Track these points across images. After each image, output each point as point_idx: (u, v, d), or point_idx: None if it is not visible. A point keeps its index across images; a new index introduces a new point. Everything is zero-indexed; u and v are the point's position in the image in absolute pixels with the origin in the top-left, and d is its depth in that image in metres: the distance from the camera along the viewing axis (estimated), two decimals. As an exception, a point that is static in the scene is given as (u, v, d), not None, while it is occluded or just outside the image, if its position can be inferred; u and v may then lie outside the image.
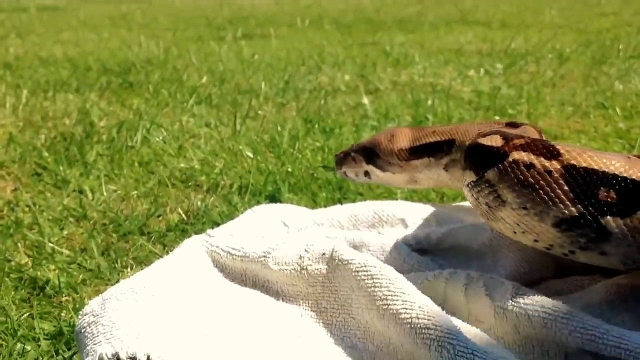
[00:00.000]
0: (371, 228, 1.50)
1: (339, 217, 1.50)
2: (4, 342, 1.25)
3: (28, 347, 1.24)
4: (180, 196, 2.04)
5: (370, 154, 1.64)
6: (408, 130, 1.61)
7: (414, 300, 1.05)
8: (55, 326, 1.32)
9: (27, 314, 1.36)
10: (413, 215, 1.51)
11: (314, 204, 1.91)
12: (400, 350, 1.06)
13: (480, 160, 1.19)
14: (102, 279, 1.54)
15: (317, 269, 1.18)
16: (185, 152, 2.46)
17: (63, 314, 1.36)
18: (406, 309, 1.04)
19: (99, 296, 1.11)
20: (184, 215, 1.88)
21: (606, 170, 1.06)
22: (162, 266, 1.18)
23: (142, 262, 1.62)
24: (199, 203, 1.94)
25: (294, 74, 4.25)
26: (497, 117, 2.95)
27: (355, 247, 1.35)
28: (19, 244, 1.69)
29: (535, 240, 1.13)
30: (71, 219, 1.88)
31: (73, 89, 3.72)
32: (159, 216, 1.91)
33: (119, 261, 1.61)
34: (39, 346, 1.25)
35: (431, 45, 5.92)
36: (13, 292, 1.43)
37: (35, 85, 3.80)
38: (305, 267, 1.19)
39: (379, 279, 1.10)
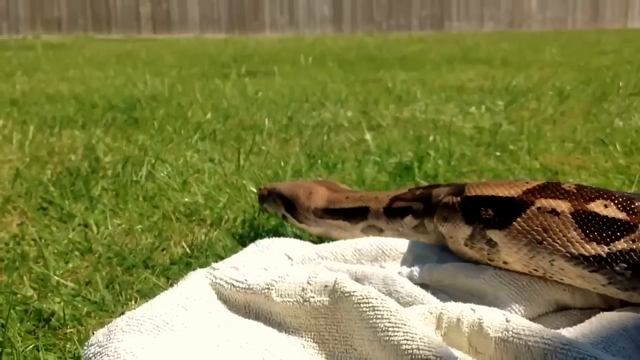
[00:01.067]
0: (374, 262, 1.51)
1: (342, 251, 1.52)
2: (8, 374, 1.26)
3: (33, 379, 1.25)
4: (184, 230, 2.06)
5: (289, 204, 1.84)
6: (324, 191, 1.82)
7: (415, 332, 1.06)
8: (59, 357, 1.33)
9: (33, 345, 1.37)
10: (415, 251, 1.53)
11: (317, 237, 1.93)
12: (401, 381, 1.07)
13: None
14: (107, 312, 1.55)
15: (320, 301, 1.20)
16: (189, 187, 2.49)
17: (68, 346, 1.37)
18: (407, 340, 1.06)
19: (105, 327, 1.13)
20: (187, 249, 1.90)
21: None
22: (167, 298, 1.20)
23: (146, 295, 1.63)
24: (203, 237, 1.96)
25: (297, 111, 4.30)
26: (498, 153, 2.98)
27: (357, 279, 1.36)
28: (24, 277, 1.71)
29: None
30: (76, 253, 1.89)
31: (79, 125, 3.77)
32: (163, 250, 1.92)
33: (123, 294, 1.63)
34: (44, 378, 1.26)
35: (433, 83, 5.98)
36: (19, 324, 1.44)
37: (41, 122, 3.85)
38: (307, 299, 1.21)
39: (380, 310, 1.12)
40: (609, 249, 1.24)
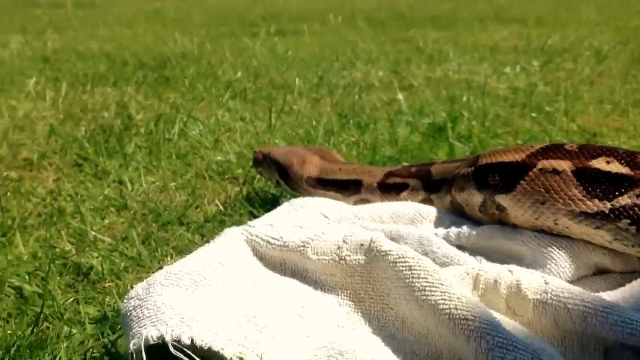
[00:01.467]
0: (410, 224, 1.51)
1: (380, 213, 1.51)
2: (51, 325, 1.29)
3: (74, 331, 1.27)
4: (217, 188, 2.07)
5: (282, 171, 1.87)
6: (318, 160, 1.83)
7: (452, 292, 1.06)
8: (99, 311, 1.35)
9: (72, 298, 1.39)
10: (451, 217, 1.52)
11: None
12: (438, 340, 1.07)
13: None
14: (143, 267, 1.57)
15: (356, 260, 1.20)
16: (221, 146, 2.49)
17: (107, 299, 1.39)
18: (445, 300, 1.05)
19: (144, 281, 1.14)
20: (221, 207, 1.91)
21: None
22: (204, 254, 1.20)
23: (182, 251, 1.65)
24: (236, 195, 1.97)
25: (328, 70, 4.27)
26: (534, 114, 2.93)
27: (393, 239, 1.35)
28: (62, 232, 1.73)
29: None
30: (112, 209, 1.92)
31: (111, 83, 3.78)
32: (197, 207, 1.94)
33: (159, 250, 1.64)
34: (84, 329, 1.28)
35: (465, 42, 5.89)
36: (58, 278, 1.47)
37: (73, 79, 3.87)
38: (343, 258, 1.21)
39: (417, 270, 1.11)
40: (611, 204, 1.23)
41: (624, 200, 1.23)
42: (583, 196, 1.26)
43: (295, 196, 1.76)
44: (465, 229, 1.39)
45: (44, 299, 1.33)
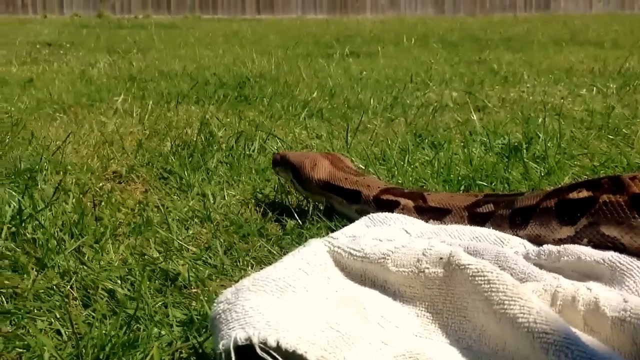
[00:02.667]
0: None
1: (460, 234, 1.54)
2: (141, 326, 1.37)
3: (163, 332, 1.35)
4: (295, 202, 2.14)
5: (296, 172, 2.06)
6: (328, 165, 2.02)
7: (531, 306, 1.08)
8: (186, 315, 1.43)
9: (161, 302, 1.47)
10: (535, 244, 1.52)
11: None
12: (516, 353, 1.09)
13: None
14: (226, 275, 1.64)
15: (434, 272, 1.24)
16: (299, 162, 2.56)
17: (193, 304, 1.46)
18: (523, 313, 1.07)
19: (233, 286, 1.21)
20: (299, 220, 1.97)
21: None
22: (289, 263, 1.26)
23: (262, 261, 1.71)
24: (314, 209, 2.03)
25: (402, 91, 4.31)
26: (610, 137, 2.90)
27: (470, 254, 1.38)
28: (150, 240, 1.83)
29: None
30: (196, 220, 2.00)
31: (193, 101, 3.94)
32: (275, 220, 2.01)
33: (240, 260, 1.72)
34: (172, 331, 1.36)
35: (540, 64, 5.84)
36: (148, 283, 1.56)
37: (158, 97, 4.05)
38: (422, 270, 1.24)
39: (495, 283, 1.14)
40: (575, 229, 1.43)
41: (583, 222, 1.40)
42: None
43: (305, 195, 2.05)
44: (546, 247, 1.40)
45: (137, 302, 1.42)
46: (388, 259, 1.27)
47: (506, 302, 1.11)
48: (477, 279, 1.17)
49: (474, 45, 7.84)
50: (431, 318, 1.23)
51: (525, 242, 1.53)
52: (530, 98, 4.08)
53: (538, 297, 1.18)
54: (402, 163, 2.49)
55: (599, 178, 1.49)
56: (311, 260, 1.28)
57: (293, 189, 2.15)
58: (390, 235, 1.43)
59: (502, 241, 1.51)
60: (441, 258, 1.24)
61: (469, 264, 1.19)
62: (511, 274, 1.30)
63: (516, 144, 2.72)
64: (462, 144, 2.83)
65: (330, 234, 1.40)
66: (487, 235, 1.52)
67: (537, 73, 5.23)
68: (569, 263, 1.38)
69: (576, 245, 1.41)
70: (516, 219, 1.57)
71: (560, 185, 1.65)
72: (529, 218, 1.54)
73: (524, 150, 2.62)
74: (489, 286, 1.14)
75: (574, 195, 1.47)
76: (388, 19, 14.82)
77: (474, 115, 3.36)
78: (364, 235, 1.41)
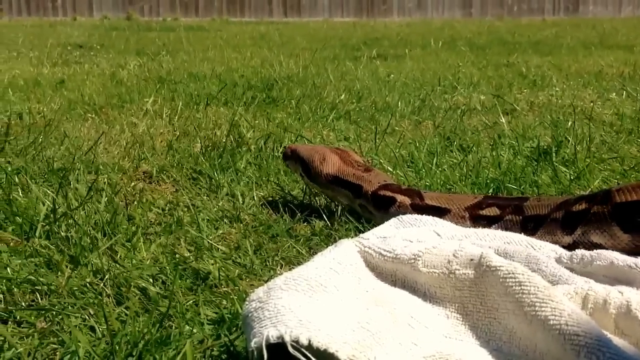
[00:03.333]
0: None
1: (492, 238, 1.54)
2: (173, 324, 1.39)
3: (195, 330, 1.37)
4: (324, 203, 2.15)
5: (305, 165, 2.12)
6: (337, 159, 2.08)
7: (563, 308, 1.08)
8: (216, 313, 1.45)
9: (192, 301, 1.49)
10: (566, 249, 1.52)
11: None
12: (547, 355, 1.09)
13: None
14: (256, 275, 1.66)
15: (465, 274, 1.24)
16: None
17: (224, 302, 1.48)
18: (555, 315, 1.07)
19: (265, 285, 1.22)
20: (328, 222, 1.98)
21: None
22: (320, 262, 1.28)
23: (291, 262, 1.73)
24: (342, 210, 2.04)
25: (430, 93, 4.31)
26: (642, 141, 2.87)
27: (500, 256, 1.38)
28: (180, 240, 1.86)
29: None
30: (225, 220, 2.03)
31: (222, 103, 3.97)
32: (304, 221, 2.02)
33: (269, 260, 1.73)
34: (203, 329, 1.38)
35: (569, 68, 5.80)
36: (179, 281, 1.58)
37: (188, 99, 4.09)
38: (453, 271, 1.25)
39: (527, 285, 1.14)
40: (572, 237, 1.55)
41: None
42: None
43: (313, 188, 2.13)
44: (579, 251, 1.39)
45: (170, 300, 1.44)
46: (418, 260, 1.28)
47: (537, 304, 1.11)
48: (508, 280, 1.17)
49: (502, 49, 7.80)
50: (461, 319, 1.23)
51: (557, 247, 1.52)
52: (559, 102, 4.06)
53: (569, 300, 1.18)
54: (430, 165, 2.49)
55: (601, 191, 1.61)
56: (342, 260, 1.29)
57: (303, 182, 2.22)
58: (421, 237, 1.44)
59: (533, 247, 1.51)
60: (472, 259, 1.24)
61: (500, 266, 1.19)
62: (542, 277, 1.30)
63: (545, 147, 2.71)
64: (490, 147, 2.82)
65: (361, 235, 1.41)
66: (518, 241, 1.52)
67: (566, 77, 5.20)
68: (601, 267, 1.37)
69: (609, 250, 1.40)
70: (528, 225, 1.64)
71: (568, 197, 1.70)
72: (539, 226, 1.63)
73: (553, 154, 2.61)
74: (520, 288, 1.14)
75: (576, 207, 1.58)
76: (415, 22, 14.79)
77: (503, 119, 3.35)
78: (394, 237, 1.42)
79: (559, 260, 1.39)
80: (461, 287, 1.24)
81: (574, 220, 1.58)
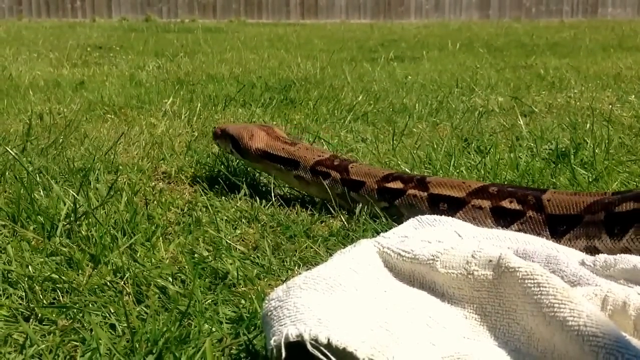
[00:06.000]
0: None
1: (514, 240, 1.53)
2: (193, 322, 1.40)
3: (214, 328, 1.38)
4: (342, 204, 2.16)
5: (235, 142, 2.32)
6: (265, 135, 2.28)
7: (581, 309, 1.08)
8: (235, 312, 1.46)
9: (211, 300, 1.51)
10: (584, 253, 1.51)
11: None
12: (565, 356, 1.09)
13: None
14: (274, 275, 1.67)
15: (483, 275, 1.24)
16: (344, 165, 2.58)
17: (242, 302, 1.49)
18: (574, 316, 1.07)
19: (284, 284, 1.23)
20: (345, 223, 1.99)
21: None
22: (339, 262, 1.29)
23: (308, 262, 1.74)
24: (360, 211, 2.05)
25: (447, 95, 4.30)
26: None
27: (520, 257, 1.38)
28: (199, 239, 1.87)
29: None
30: (243, 220, 2.04)
31: (240, 104, 3.99)
32: (322, 222, 2.03)
33: (287, 260, 1.74)
34: (222, 328, 1.39)
35: (588, 70, 5.76)
36: (198, 280, 1.59)
37: (206, 99, 4.12)
38: (471, 272, 1.25)
39: (545, 287, 1.14)
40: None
41: None
42: None
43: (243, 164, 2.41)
44: (602, 255, 1.39)
45: (189, 298, 1.45)
46: (437, 261, 1.28)
47: (556, 305, 1.11)
48: (526, 281, 1.17)
49: (520, 51, 7.77)
50: (479, 320, 1.23)
51: (581, 253, 1.52)
52: (578, 104, 4.04)
53: (588, 301, 1.18)
54: (447, 167, 2.49)
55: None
56: (361, 260, 1.30)
57: (233, 158, 2.43)
58: (440, 237, 1.44)
59: (557, 250, 1.50)
60: (490, 260, 1.24)
61: (518, 267, 1.19)
62: (562, 277, 1.30)
63: (564, 149, 2.70)
64: (508, 148, 2.81)
65: (382, 234, 1.42)
66: (541, 243, 1.51)
67: (584, 79, 5.17)
68: (623, 271, 1.37)
69: (632, 255, 1.39)
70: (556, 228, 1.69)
71: (597, 195, 1.69)
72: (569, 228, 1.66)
73: (572, 156, 2.59)
74: (538, 289, 1.15)
75: (621, 208, 1.58)
76: (432, 24, 14.76)
77: (521, 120, 3.34)
78: (413, 237, 1.42)
79: (582, 264, 1.39)
80: (480, 287, 1.24)
81: (621, 222, 1.53)
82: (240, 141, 2.30)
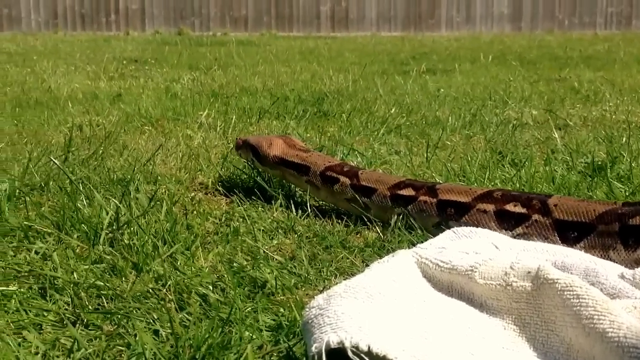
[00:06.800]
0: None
1: (552, 252, 1.54)
2: (233, 329, 1.43)
3: (254, 336, 1.41)
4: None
5: (255, 151, 2.47)
6: (282, 143, 2.43)
7: (621, 321, 1.09)
8: (274, 320, 1.48)
9: (250, 308, 1.53)
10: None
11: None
12: (605, 367, 1.10)
13: None
14: (310, 285, 1.69)
15: (522, 286, 1.25)
16: (378, 177, 2.60)
17: (281, 310, 1.52)
18: (613, 328, 1.08)
19: (324, 293, 1.26)
20: (381, 234, 2.01)
21: None
22: (379, 271, 1.31)
23: (345, 272, 1.76)
24: (395, 223, 2.06)
25: (480, 108, 4.30)
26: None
27: (558, 269, 1.39)
28: (237, 249, 1.91)
29: None
30: (280, 231, 2.07)
31: (274, 116, 4.04)
32: (357, 233, 2.05)
33: (324, 270, 1.77)
34: (262, 335, 1.42)
35: (623, 83, 5.71)
36: (238, 289, 1.63)
37: (240, 112, 4.17)
38: (510, 283, 1.26)
39: (585, 299, 1.15)
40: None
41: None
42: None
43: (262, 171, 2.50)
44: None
45: (230, 306, 1.48)
46: (475, 272, 1.30)
47: (595, 317, 1.12)
48: (565, 293, 1.18)
49: (553, 63, 7.72)
50: (518, 331, 1.25)
51: (620, 266, 1.52)
52: (613, 117, 4.01)
53: (628, 314, 1.19)
54: (482, 179, 2.50)
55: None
56: (400, 270, 1.32)
57: (253, 166, 2.53)
58: (477, 249, 1.45)
59: (595, 262, 1.50)
60: (529, 272, 1.25)
61: (557, 279, 1.20)
62: (601, 289, 1.30)
63: (600, 163, 2.69)
64: (543, 162, 2.81)
65: (419, 245, 1.44)
66: (579, 256, 1.52)
67: (619, 92, 5.13)
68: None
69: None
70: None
71: (606, 204, 1.71)
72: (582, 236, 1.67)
73: (608, 170, 2.58)
74: (578, 301, 1.16)
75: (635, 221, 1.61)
76: (463, 36, 14.73)
77: (555, 134, 3.33)
78: (451, 248, 1.44)
79: (621, 277, 1.39)
80: (518, 299, 1.26)
81: (635, 234, 1.56)
82: (260, 150, 2.43)
